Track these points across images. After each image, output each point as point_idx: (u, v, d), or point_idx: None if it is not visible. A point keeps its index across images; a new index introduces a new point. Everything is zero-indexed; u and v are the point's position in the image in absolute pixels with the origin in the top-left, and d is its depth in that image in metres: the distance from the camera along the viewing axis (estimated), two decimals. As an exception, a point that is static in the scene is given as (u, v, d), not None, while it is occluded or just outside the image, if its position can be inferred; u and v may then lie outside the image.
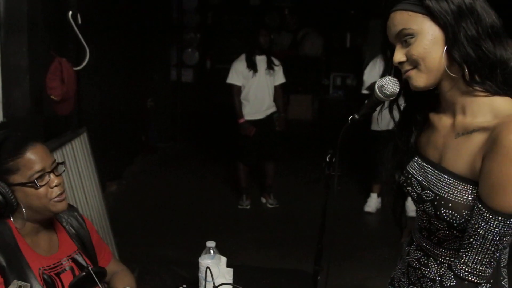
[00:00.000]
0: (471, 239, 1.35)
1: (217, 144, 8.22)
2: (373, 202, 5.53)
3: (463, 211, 1.39)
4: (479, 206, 1.33)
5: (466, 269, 1.36)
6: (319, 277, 1.86)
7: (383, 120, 4.55)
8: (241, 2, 10.37)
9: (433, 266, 1.53)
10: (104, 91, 5.34)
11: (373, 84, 5.97)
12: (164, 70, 8.33)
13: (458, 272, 1.38)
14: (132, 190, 6.07)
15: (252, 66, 5.28)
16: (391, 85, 1.50)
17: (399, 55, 1.43)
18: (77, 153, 3.70)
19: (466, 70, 1.36)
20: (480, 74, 1.36)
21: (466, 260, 1.37)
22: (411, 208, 5.32)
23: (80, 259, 1.90)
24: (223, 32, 10.36)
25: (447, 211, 1.41)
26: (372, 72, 5.13)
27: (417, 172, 1.55)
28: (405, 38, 1.40)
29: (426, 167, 1.52)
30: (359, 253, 4.46)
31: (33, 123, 3.22)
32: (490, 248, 1.33)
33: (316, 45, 10.32)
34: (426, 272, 1.55)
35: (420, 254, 1.58)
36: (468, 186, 1.39)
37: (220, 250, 2.01)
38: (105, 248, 2.13)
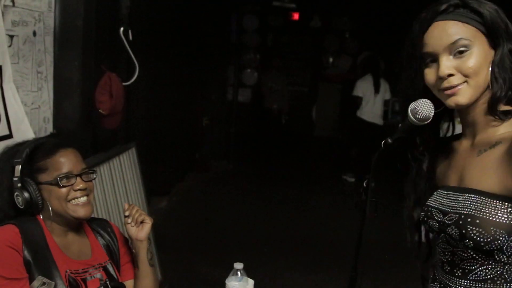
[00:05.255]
0: None
1: (269, 165, 8.18)
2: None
3: (492, 228, 1.30)
4: None
5: None
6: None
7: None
8: (302, 24, 10.37)
9: None
10: (155, 108, 5.40)
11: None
12: (221, 89, 8.42)
13: None
14: (181, 206, 6.09)
15: None
16: (425, 108, 1.40)
17: (449, 67, 1.34)
18: (124, 167, 3.73)
19: (499, 90, 1.34)
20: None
21: None
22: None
23: (111, 270, 1.89)
24: (283, 53, 10.37)
25: (474, 228, 1.32)
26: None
27: (437, 203, 1.46)
28: (460, 49, 1.34)
29: (447, 194, 1.44)
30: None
31: (82, 136, 3.27)
32: None
33: (376, 69, 10.14)
34: None
35: None
36: (497, 201, 1.31)
37: (253, 271, 1.95)
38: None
